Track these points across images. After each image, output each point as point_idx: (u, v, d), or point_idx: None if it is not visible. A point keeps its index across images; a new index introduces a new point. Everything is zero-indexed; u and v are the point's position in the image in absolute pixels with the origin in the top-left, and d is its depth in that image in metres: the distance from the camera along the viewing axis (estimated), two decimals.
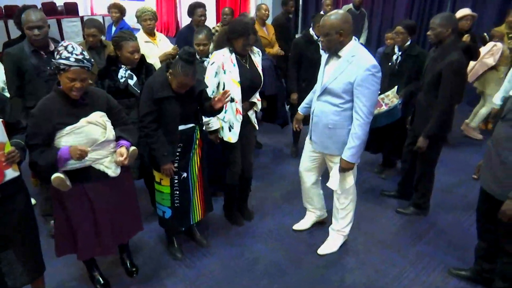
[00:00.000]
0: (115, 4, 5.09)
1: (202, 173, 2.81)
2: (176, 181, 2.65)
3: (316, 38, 3.74)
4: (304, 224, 3.20)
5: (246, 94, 2.84)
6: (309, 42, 3.84)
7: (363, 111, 2.44)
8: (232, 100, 2.75)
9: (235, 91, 2.73)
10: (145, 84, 2.51)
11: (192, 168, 2.71)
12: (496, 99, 3.67)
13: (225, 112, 2.79)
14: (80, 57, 2.00)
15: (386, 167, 4.14)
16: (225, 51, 2.76)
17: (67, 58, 1.98)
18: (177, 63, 2.33)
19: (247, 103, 2.90)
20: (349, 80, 2.43)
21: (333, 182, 2.69)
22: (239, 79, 2.72)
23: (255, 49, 2.96)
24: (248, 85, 2.80)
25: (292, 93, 4.02)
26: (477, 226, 2.52)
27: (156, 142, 2.47)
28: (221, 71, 2.73)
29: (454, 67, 2.81)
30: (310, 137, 2.80)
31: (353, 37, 2.50)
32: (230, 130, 2.84)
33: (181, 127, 2.54)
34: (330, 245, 2.96)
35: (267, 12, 4.87)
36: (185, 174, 2.67)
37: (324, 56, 2.67)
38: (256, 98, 2.96)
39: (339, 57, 2.49)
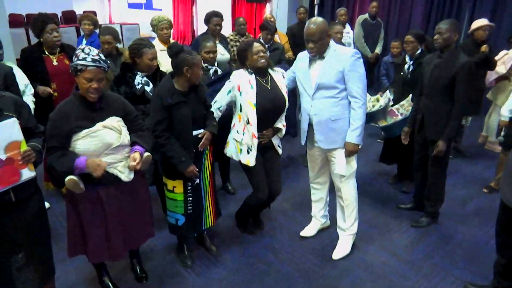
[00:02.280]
0: (88, 16, 4.62)
1: (213, 178, 2.81)
2: (189, 187, 2.65)
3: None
4: (310, 231, 3.23)
5: (269, 117, 2.78)
6: None
7: (358, 93, 2.60)
8: (247, 122, 2.72)
9: (251, 114, 2.69)
10: (153, 94, 2.52)
11: (204, 173, 2.71)
12: (505, 111, 3.59)
13: (243, 135, 2.77)
14: (96, 57, 2.04)
15: (402, 178, 4.07)
16: (244, 71, 2.75)
17: (84, 59, 2.01)
18: (181, 60, 2.39)
19: (270, 130, 2.83)
20: (338, 69, 2.59)
21: (340, 167, 2.77)
22: (254, 102, 2.67)
23: (279, 69, 2.93)
24: (269, 108, 2.73)
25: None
26: (496, 241, 2.43)
27: (171, 150, 2.47)
28: (237, 93, 2.72)
29: (468, 68, 2.91)
30: (307, 141, 2.87)
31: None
32: (248, 153, 2.78)
33: (193, 133, 2.54)
34: (342, 249, 2.97)
35: (272, 19, 5.36)
36: (197, 180, 2.67)
37: (303, 61, 2.77)
38: (282, 124, 2.89)
39: (323, 58, 2.65)
